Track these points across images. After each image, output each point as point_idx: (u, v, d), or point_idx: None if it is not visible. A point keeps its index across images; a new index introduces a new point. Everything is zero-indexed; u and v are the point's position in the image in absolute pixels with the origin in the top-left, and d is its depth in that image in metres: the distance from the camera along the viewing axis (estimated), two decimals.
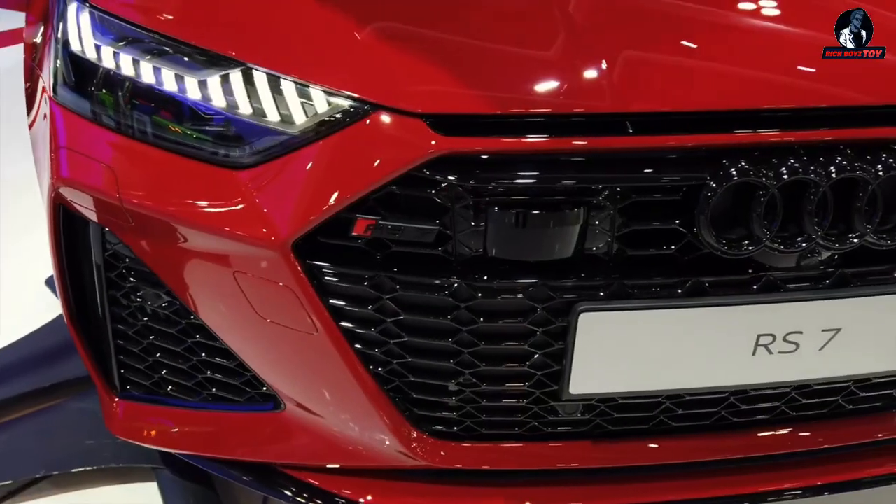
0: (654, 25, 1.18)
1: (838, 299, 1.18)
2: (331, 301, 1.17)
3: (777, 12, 1.20)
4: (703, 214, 1.11)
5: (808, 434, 1.39)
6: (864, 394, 1.36)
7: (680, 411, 1.31)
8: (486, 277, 1.14)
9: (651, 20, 1.18)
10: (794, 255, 1.16)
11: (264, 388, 1.35)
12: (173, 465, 1.69)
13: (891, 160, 1.13)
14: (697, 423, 1.34)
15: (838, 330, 1.20)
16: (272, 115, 1.16)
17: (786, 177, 1.10)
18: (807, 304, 1.17)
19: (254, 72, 1.17)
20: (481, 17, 1.18)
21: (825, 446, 1.41)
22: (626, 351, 1.18)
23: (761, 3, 1.20)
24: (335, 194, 1.11)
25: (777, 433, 1.37)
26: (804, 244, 1.13)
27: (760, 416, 1.35)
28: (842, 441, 1.42)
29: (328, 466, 1.41)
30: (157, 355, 1.42)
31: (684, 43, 1.16)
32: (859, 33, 1.14)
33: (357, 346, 1.21)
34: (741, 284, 1.17)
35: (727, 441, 1.36)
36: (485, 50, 1.14)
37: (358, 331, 1.20)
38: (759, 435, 1.37)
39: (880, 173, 1.12)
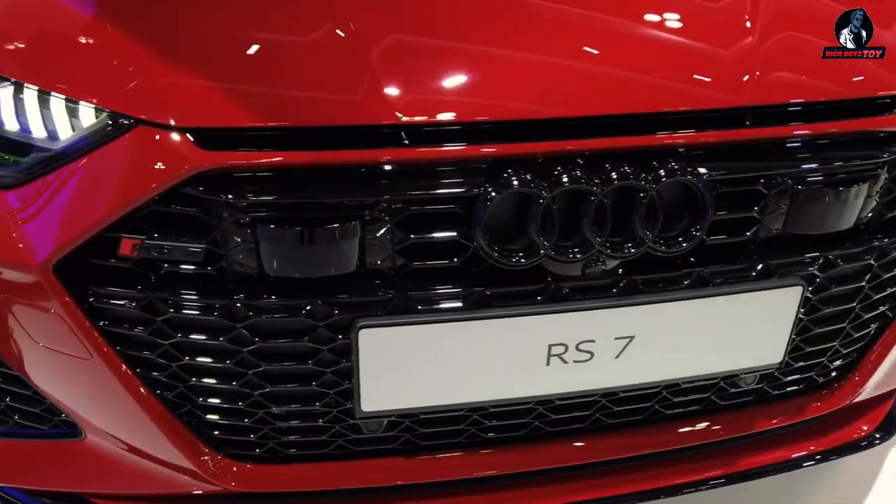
0: (429, 36, 1.15)
1: (627, 307, 1.17)
2: (102, 325, 1.12)
3: (546, 24, 1.19)
4: (479, 225, 1.09)
5: (627, 441, 1.38)
6: (678, 398, 1.36)
7: (490, 423, 1.29)
8: (260, 296, 1.10)
9: (425, 30, 1.16)
10: (577, 264, 1.15)
11: (63, 415, 1.30)
12: None
13: (672, 167, 1.12)
14: (511, 433, 1.32)
15: (632, 338, 1.19)
16: (38, 132, 1.11)
17: (563, 186, 1.09)
18: (595, 312, 1.16)
19: (24, 88, 1.13)
20: (246, 28, 1.14)
21: (646, 452, 1.40)
22: (415, 366, 1.15)
23: (535, 17, 1.19)
24: (96, 213, 1.06)
25: (594, 441, 1.36)
26: (581, 254, 1.12)
27: (576, 425, 1.34)
28: (665, 446, 1.41)
29: (145, 495, 1.36)
30: None
31: (457, 55, 1.14)
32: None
33: (138, 370, 1.16)
34: (528, 295, 1.15)
35: (544, 451, 1.34)
36: (250, 61, 1.11)
37: (136, 355, 1.15)
38: (577, 444, 1.35)
39: (662, 180, 1.11)
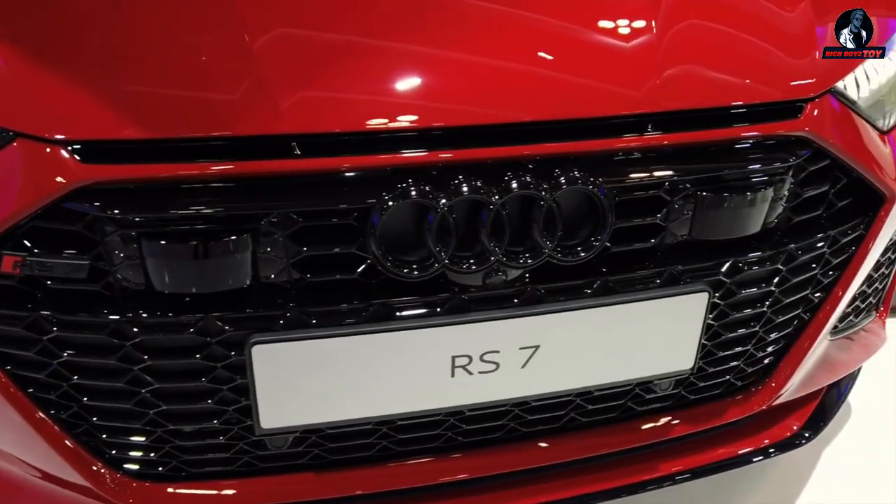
0: (320, 45, 1.13)
1: (529, 316, 1.15)
2: None
3: (442, 28, 1.16)
4: (374, 236, 1.07)
5: (544, 450, 1.36)
6: (594, 406, 1.35)
7: (401, 436, 1.27)
8: (149, 313, 1.07)
9: (316, 40, 1.13)
10: (478, 274, 1.13)
11: None
12: None
13: (571, 175, 1.11)
14: (424, 446, 1.30)
15: (537, 347, 1.18)
16: None
17: (461, 195, 1.07)
18: (497, 322, 1.14)
19: None
20: (129, 38, 1.10)
21: (564, 460, 1.39)
22: (314, 381, 1.12)
23: (429, 22, 1.17)
24: None
25: (509, 451, 1.34)
26: (477, 265, 1.10)
27: (490, 436, 1.32)
28: (584, 453, 1.40)
29: None
30: None
31: (348, 64, 1.10)
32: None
33: (30, 390, 1.12)
34: (428, 306, 1.13)
35: (458, 462, 1.32)
36: (133, 71, 1.07)
37: (26, 374, 1.11)
38: (491, 454, 1.34)
39: (561, 188, 1.10)
